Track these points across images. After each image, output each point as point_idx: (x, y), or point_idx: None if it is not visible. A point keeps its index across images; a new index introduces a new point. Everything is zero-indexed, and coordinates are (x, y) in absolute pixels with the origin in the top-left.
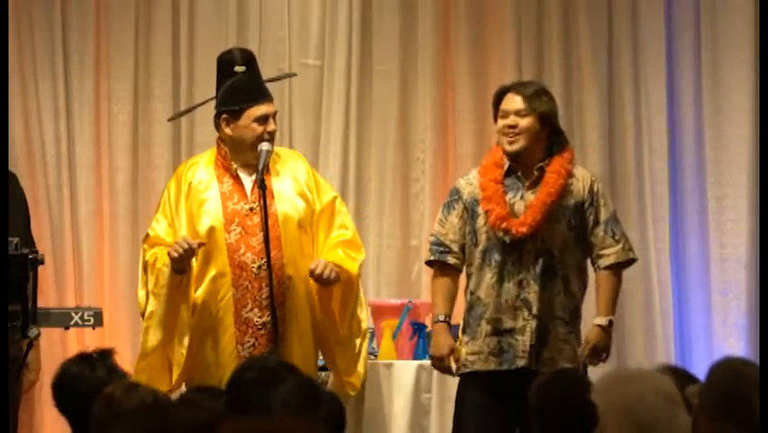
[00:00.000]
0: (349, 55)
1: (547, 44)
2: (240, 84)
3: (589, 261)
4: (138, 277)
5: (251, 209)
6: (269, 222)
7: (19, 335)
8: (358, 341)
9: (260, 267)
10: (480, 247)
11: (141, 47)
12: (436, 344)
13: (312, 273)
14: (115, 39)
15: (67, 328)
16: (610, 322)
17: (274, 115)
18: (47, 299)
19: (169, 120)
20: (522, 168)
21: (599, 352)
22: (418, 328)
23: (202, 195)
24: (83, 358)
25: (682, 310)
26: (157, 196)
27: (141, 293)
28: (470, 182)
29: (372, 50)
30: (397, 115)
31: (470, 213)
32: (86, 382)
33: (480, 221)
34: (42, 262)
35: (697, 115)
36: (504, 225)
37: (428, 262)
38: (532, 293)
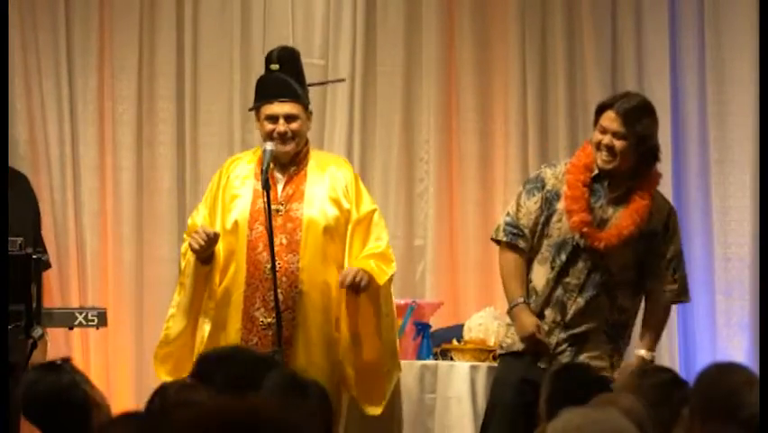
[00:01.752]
0: (353, 55)
1: (551, 45)
2: (263, 82)
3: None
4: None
5: (278, 210)
6: (291, 225)
7: (23, 335)
8: (386, 368)
9: (275, 269)
10: (550, 241)
11: (145, 47)
12: (521, 325)
13: (342, 283)
14: (119, 39)
15: (71, 328)
16: (653, 358)
17: (288, 116)
18: (51, 299)
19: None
20: (610, 180)
21: None
22: (422, 328)
23: (236, 189)
24: (45, 367)
25: (686, 310)
26: (161, 196)
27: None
28: (555, 175)
29: (376, 50)
30: (401, 116)
31: (547, 204)
32: (50, 389)
33: (556, 216)
34: (49, 266)
35: (701, 116)
36: (585, 229)
37: (497, 241)
38: (571, 300)
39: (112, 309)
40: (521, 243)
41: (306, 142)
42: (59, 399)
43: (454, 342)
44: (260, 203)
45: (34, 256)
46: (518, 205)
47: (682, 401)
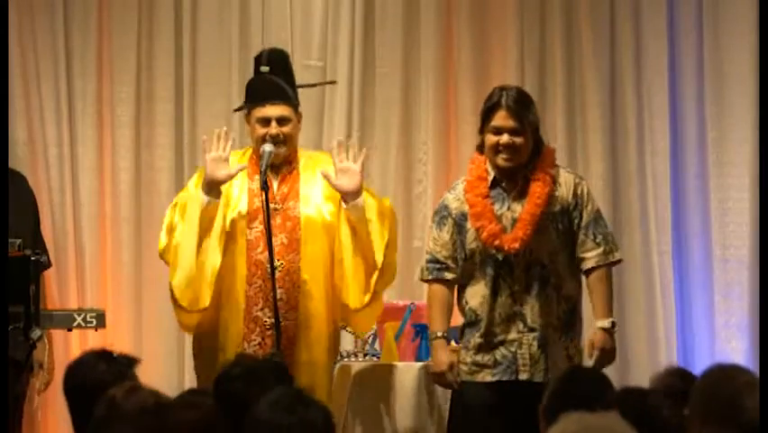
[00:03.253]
0: (351, 57)
1: (549, 46)
2: (254, 84)
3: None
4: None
5: (276, 209)
6: (291, 224)
7: (21, 337)
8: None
9: (274, 268)
10: (473, 261)
11: (143, 48)
12: (436, 360)
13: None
14: (118, 40)
15: (69, 330)
16: (613, 324)
17: (280, 118)
18: (49, 300)
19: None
20: (506, 179)
21: (607, 354)
22: (421, 330)
23: (231, 188)
24: (103, 355)
25: (685, 312)
26: (159, 197)
27: (163, 235)
28: (457, 197)
29: (375, 52)
30: (400, 117)
31: (458, 228)
32: (99, 379)
33: (470, 236)
34: (47, 266)
35: (699, 117)
36: (497, 242)
37: (426, 281)
38: (526, 306)
39: (110, 311)
40: (447, 274)
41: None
42: (98, 389)
43: (452, 343)
44: (257, 202)
45: (33, 258)
46: (433, 239)
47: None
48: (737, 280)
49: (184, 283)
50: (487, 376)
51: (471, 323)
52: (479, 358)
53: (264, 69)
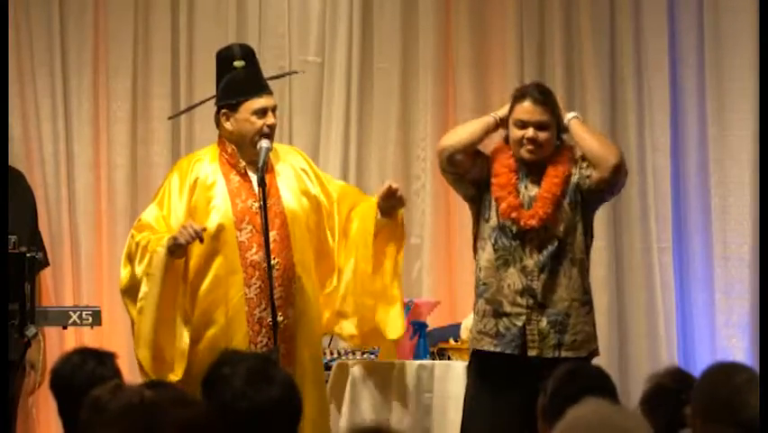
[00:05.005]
0: (349, 52)
1: (549, 42)
2: (238, 78)
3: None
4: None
5: (261, 207)
6: (278, 221)
7: (17, 334)
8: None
9: (271, 266)
10: (490, 224)
11: (139, 44)
12: None
13: (390, 190)
14: (114, 36)
15: (65, 327)
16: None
17: (273, 108)
18: (45, 297)
19: (170, 118)
20: (530, 164)
21: None
22: (419, 328)
23: (209, 192)
24: (90, 353)
25: (685, 310)
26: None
27: (125, 271)
28: None
29: (373, 48)
30: (398, 113)
31: (486, 184)
32: (89, 377)
33: (493, 198)
34: (44, 265)
35: (700, 114)
36: (514, 214)
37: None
38: (536, 281)
39: (106, 308)
40: None
41: None
42: (87, 387)
43: (451, 341)
44: (239, 202)
45: (28, 255)
46: None
47: (685, 399)
48: (738, 278)
49: (150, 356)
50: (489, 345)
51: (480, 290)
52: (481, 326)
53: (239, 63)
